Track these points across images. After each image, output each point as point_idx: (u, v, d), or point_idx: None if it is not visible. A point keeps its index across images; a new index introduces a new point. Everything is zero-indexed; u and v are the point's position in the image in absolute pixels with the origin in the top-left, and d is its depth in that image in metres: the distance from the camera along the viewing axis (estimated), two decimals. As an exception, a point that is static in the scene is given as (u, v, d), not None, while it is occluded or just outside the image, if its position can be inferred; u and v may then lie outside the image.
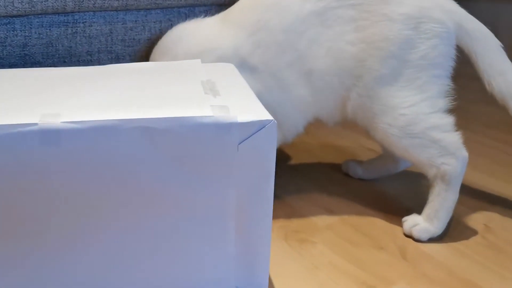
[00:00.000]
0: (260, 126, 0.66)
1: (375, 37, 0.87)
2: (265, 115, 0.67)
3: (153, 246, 0.69)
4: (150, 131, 0.64)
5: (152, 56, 1.00)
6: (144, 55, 1.05)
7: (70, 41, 0.99)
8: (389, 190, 1.09)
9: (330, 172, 1.17)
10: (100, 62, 1.03)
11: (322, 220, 0.96)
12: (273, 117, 0.67)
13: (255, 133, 0.66)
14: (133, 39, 1.05)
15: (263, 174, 0.68)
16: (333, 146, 1.31)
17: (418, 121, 0.87)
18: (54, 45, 0.98)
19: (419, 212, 0.93)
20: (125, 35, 1.04)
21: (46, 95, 0.70)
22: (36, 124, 0.61)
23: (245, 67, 0.92)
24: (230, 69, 0.88)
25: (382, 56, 0.87)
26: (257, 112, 0.67)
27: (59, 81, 0.77)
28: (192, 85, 0.76)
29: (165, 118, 0.64)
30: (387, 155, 1.09)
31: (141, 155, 0.64)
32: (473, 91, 1.36)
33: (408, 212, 0.95)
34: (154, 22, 1.05)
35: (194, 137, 0.65)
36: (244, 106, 0.69)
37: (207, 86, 0.76)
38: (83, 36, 1.00)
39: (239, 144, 0.66)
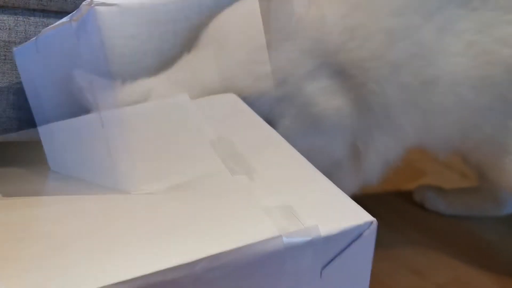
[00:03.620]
0: (354, 233, 0.42)
1: None
2: (358, 212, 0.43)
3: None
4: None
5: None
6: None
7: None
8: (494, 238, 0.79)
9: (395, 201, 0.87)
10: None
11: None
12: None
13: (347, 247, 0.42)
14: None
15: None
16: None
17: None
18: None
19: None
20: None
21: None
22: None
23: (323, 69, 0.61)
24: (235, 105, 0.58)
25: None
26: (341, 206, 0.44)
27: None
28: (202, 157, 0.50)
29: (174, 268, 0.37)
30: (486, 189, 0.82)
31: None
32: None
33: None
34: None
35: (250, 273, 0.40)
36: (307, 193, 0.45)
37: (224, 153, 0.50)
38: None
39: (322, 269, 0.41)
